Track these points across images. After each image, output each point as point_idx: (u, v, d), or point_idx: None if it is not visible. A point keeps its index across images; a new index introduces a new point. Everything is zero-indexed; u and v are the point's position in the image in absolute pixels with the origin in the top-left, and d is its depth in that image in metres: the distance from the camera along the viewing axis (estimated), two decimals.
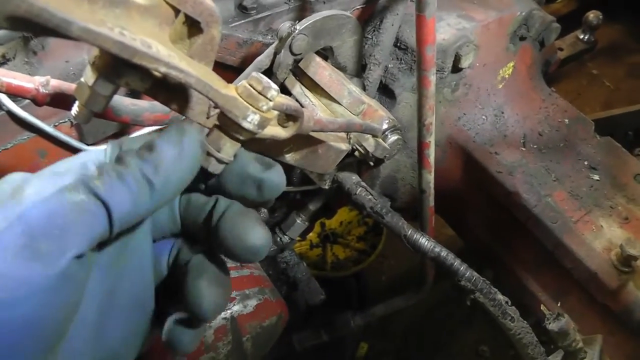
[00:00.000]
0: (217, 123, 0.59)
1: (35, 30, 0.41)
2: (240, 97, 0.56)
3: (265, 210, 1.41)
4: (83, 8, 0.44)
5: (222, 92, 0.54)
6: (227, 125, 0.58)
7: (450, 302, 2.13)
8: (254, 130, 0.57)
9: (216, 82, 0.54)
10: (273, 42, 1.10)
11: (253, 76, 0.57)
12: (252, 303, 1.17)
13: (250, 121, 0.56)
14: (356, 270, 2.72)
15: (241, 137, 0.58)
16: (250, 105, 0.56)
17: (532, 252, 1.36)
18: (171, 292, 0.61)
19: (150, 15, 0.52)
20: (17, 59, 0.96)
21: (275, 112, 0.61)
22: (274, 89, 0.57)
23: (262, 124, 0.57)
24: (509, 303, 1.08)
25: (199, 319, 0.57)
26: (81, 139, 1.03)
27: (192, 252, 0.61)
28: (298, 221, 1.45)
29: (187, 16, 0.55)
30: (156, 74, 0.53)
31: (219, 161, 0.60)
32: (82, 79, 0.54)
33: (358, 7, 1.30)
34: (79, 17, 0.42)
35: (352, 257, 2.81)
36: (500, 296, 1.08)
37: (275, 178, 0.59)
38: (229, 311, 1.14)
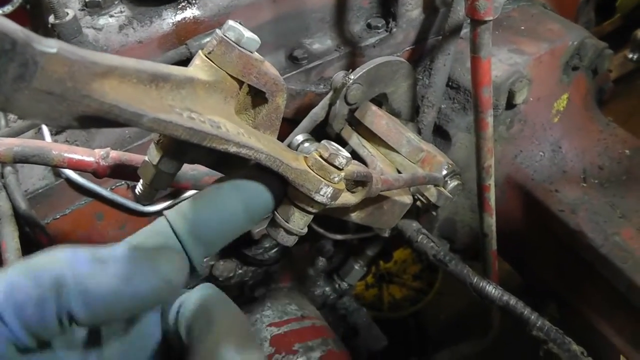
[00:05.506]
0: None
1: (105, 125, 0.40)
2: (311, 169, 0.54)
3: (324, 259, 1.39)
4: (151, 95, 0.43)
5: (292, 165, 0.52)
6: (298, 198, 0.55)
7: (513, 342, 2.06)
8: (327, 203, 0.55)
9: (285, 154, 0.53)
10: (326, 92, 1.08)
11: (323, 145, 0.55)
12: (316, 355, 1.14)
13: (324, 194, 0.54)
14: (414, 310, 2.67)
15: (313, 210, 0.56)
16: (322, 178, 0.54)
17: (602, 294, 1.30)
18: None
19: (215, 91, 0.50)
20: None
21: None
22: (344, 156, 0.55)
23: (335, 196, 0.55)
24: (585, 354, 1.03)
25: None
26: (137, 200, 1.03)
27: None
28: (356, 267, 1.43)
29: (251, 87, 0.54)
30: None
31: (288, 232, 0.58)
32: (147, 158, 0.53)
33: (407, 48, 1.28)
34: (148, 105, 0.40)
35: (409, 296, 2.76)
36: (575, 346, 1.03)
37: None
38: None
